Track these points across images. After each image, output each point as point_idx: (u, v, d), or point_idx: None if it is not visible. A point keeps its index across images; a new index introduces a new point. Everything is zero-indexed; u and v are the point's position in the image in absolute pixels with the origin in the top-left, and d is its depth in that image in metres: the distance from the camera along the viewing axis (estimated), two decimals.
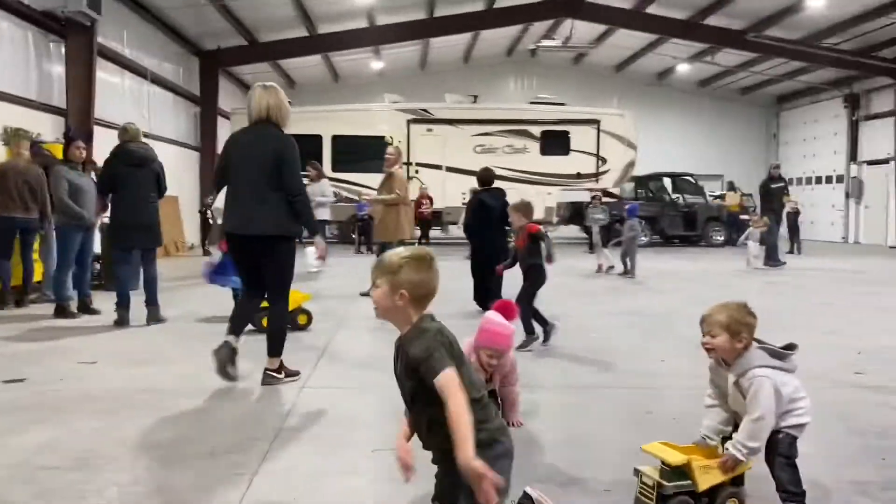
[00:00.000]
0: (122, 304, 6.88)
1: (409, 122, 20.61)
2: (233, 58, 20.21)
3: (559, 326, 6.14)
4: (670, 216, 20.54)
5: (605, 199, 17.54)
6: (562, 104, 21.52)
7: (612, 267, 12.78)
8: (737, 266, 14.30)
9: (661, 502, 2.64)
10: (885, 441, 3.65)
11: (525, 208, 6.45)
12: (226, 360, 4.63)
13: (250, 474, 3.19)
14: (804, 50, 20.57)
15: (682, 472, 2.65)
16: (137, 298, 6.99)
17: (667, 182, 21.72)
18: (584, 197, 18.63)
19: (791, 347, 2.79)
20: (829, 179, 24.73)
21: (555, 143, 20.77)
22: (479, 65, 27.34)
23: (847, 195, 23.60)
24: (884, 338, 6.52)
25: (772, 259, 14.01)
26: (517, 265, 6.33)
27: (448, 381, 2.04)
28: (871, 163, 22.59)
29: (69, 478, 3.12)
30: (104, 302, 7.54)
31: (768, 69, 23.82)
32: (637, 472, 2.77)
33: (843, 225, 23.85)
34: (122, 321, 6.84)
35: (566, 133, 20.75)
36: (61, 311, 7.35)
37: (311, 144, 20.18)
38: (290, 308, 6.70)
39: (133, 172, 6.84)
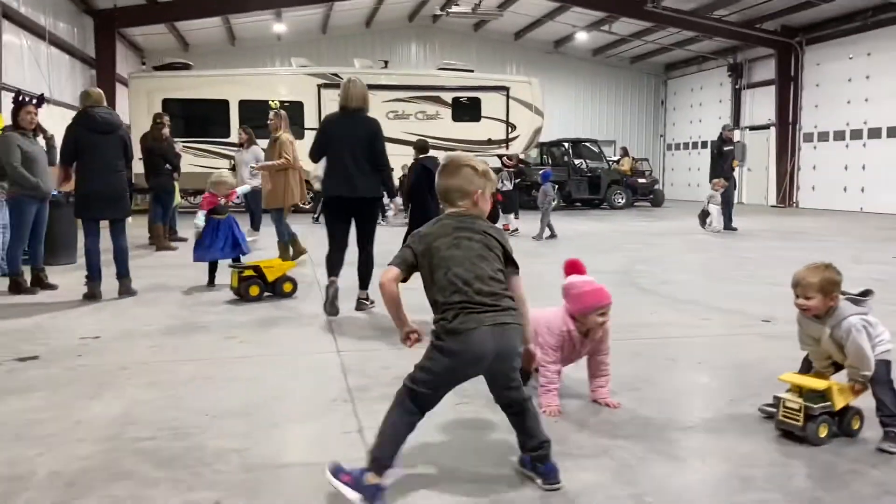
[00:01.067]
0: (94, 278, 6.61)
1: (319, 86, 20.26)
2: (130, 18, 19.09)
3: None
4: (576, 181, 21.43)
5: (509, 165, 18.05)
6: (471, 70, 21.80)
7: (516, 230, 13.28)
8: (647, 226, 15.22)
9: (808, 421, 3.04)
10: None
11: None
12: (334, 295, 5.87)
13: (356, 431, 3.31)
14: (696, 20, 21.79)
15: (823, 395, 3.08)
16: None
17: (570, 147, 22.55)
18: (495, 163, 19.10)
19: (867, 294, 3.19)
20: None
21: (466, 109, 21.05)
22: (381, 30, 27.08)
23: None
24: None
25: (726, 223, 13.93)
26: None
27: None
28: (752, 128, 24.33)
29: (177, 446, 3.13)
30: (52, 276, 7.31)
31: (660, 38, 25.00)
32: (778, 399, 3.17)
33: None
34: (93, 295, 6.56)
35: (477, 100, 21.07)
36: (15, 287, 6.95)
37: (217, 109, 19.59)
38: (275, 277, 6.72)
39: (98, 140, 6.52)
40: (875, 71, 19.26)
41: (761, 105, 23.77)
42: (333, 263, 6.02)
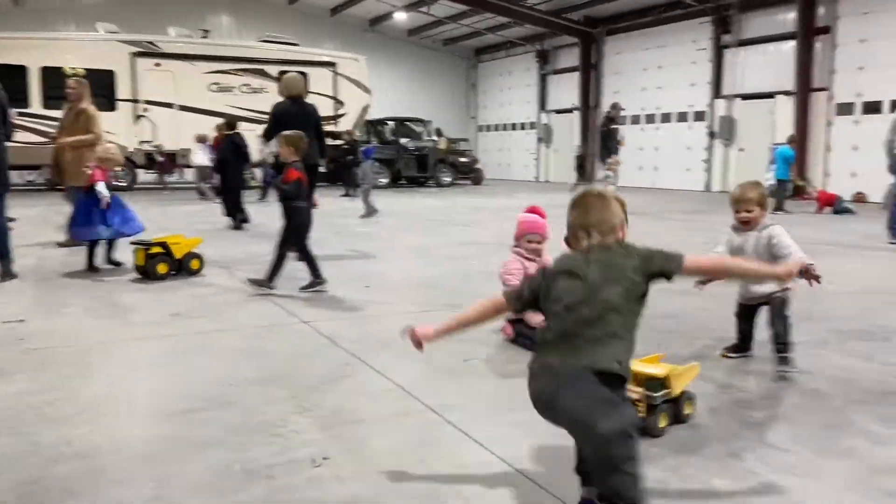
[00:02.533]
0: None
1: (133, 55, 18.85)
2: None
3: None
4: (405, 159, 21.90)
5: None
6: (295, 44, 21.39)
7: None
8: (488, 202, 16.07)
9: (650, 412, 2.88)
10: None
11: (297, 142, 5.83)
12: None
13: (394, 387, 3.46)
14: (508, 6, 23.04)
15: (662, 382, 2.93)
16: None
17: (397, 126, 22.94)
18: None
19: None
20: (522, 126, 28.15)
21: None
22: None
23: (539, 140, 27.16)
24: None
25: None
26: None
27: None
28: (558, 111, 26.25)
29: (233, 414, 3.10)
30: None
31: (474, 22, 26.08)
32: None
33: (535, 166, 27.48)
34: None
35: (304, 74, 20.69)
36: None
37: (11, 76, 17.50)
38: (182, 253, 6.46)
39: None
40: (667, 62, 21.65)
41: (566, 90, 25.69)
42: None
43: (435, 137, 25.73)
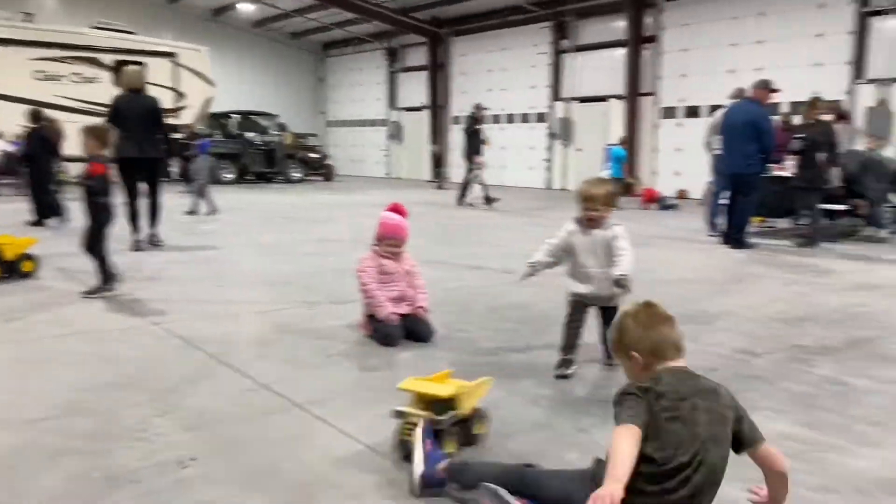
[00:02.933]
0: None
1: None
2: None
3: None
4: (252, 154, 21.31)
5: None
6: (131, 32, 20.24)
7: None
8: (345, 198, 16.03)
9: (437, 437, 2.58)
10: None
11: (103, 135, 5.52)
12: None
13: (255, 388, 3.47)
14: (356, 3, 22.99)
15: (450, 403, 2.67)
16: None
17: (241, 120, 22.26)
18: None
19: None
20: (373, 123, 28.20)
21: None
22: None
23: (390, 137, 27.35)
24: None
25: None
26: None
27: None
28: (408, 109, 26.54)
29: (85, 422, 3.00)
30: None
31: (322, 17, 25.78)
32: (400, 413, 2.68)
33: (387, 163, 27.66)
34: None
35: (141, 65, 19.61)
36: None
37: None
38: (14, 254, 6.05)
39: None
40: (510, 65, 22.49)
41: (415, 88, 26.03)
42: (133, 213, 7.76)
43: (287, 132, 25.29)
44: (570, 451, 2.83)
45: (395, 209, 4.63)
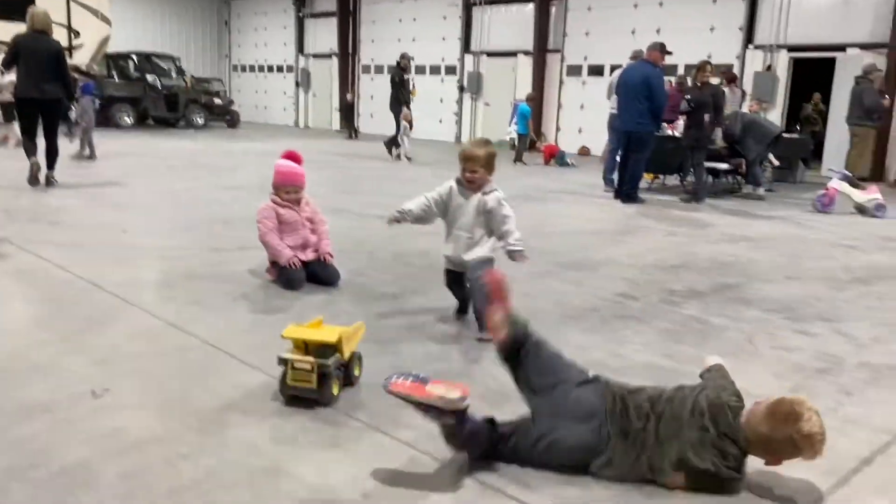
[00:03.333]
0: None
1: None
2: None
3: None
4: (152, 98, 20.53)
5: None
6: None
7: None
8: (250, 146, 15.79)
9: (323, 381, 2.72)
10: None
11: None
12: (37, 170, 7.98)
13: (168, 323, 3.62)
14: None
15: (334, 347, 2.79)
16: None
17: (141, 62, 21.33)
18: None
19: None
20: (280, 69, 27.54)
21: (14, 5, 18.30)
22: None
23: (297, 84, 26.82)
24: None
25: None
26: None
27: None
28: (316, 56, 26.06)
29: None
30: None
31: None
32: (285, 360, 2.74)
33: (294, 110, 27.17)
34: None
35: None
36: None
37: None
38: None
39: None
40: (420, 14, 22.38)
41: (324, 35, 25.54)
42: (29, 148, 8.00)
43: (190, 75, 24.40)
44: (461, 380, 3.14)
45: (291, 156, 4.70)
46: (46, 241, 5.42)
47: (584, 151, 18.08)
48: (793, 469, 2.32)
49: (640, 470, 2.27)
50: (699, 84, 9.60)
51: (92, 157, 11.38)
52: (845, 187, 9.15)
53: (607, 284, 4.99)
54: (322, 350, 2.76)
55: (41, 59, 7.71)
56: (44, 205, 7.05)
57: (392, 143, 14.78)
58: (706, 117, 9.29)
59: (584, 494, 2.23)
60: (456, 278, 3.96)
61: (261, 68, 28.35)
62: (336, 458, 2.40)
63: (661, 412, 2.30)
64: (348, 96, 22.48)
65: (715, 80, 9.87)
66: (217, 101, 23.09)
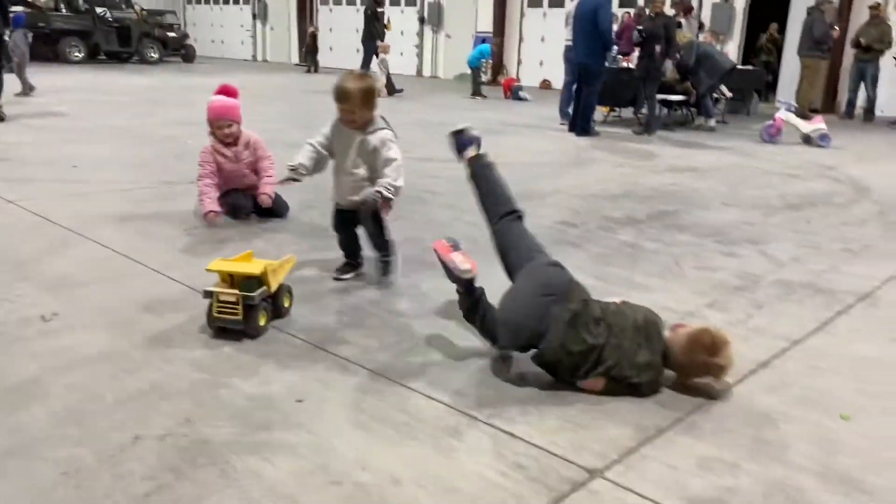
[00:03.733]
0: None
1: None
2: None
3: None
4: (103, 31, 19.89)
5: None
6: None
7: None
8: (195, 79, 15.50)
9: (249, 314, 2.77)
10: None
11: None
12: None
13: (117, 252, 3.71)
14: None
15: (259, 279, 2.81)
16: None
17: None
18: None
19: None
20: (236, 0, 26.79)
21: None
22: None
23: (254, 17, 26.14)
24: None
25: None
26: None
27: None
28: None
29: None
30: None
31: None
32: (210, 293, 2.79)
33: (252, 45, 26.56)
34: None
35: None
36: None
37: None
38: None
39: None
40: None
41: None
42: None
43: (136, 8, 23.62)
44: (401, 301, 3.32)
45: (224, 90, 4.53)
46: None
47: (545, 85, 18.09)
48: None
49: (563, 361, 2.47)
50: (652, 15, 9.65)
51: (26, 92, 11.04)
52: (791, 118, 9.40)
53: (551, 213, 5.16)
54: (248, 283, 2.79)
55: None
56: None
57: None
58: (657, 48, 9.38)
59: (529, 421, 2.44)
60: (344, 219, 3.60)
61: (216, 0, 27.54)
62: (272, 371, 2.57)
63: (610, 323, 2.51)
64: (310, 29, 21.97)
65: (668, 11, 9.91)
66: (171, 34, 22.46)
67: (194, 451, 2.04)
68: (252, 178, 4.64)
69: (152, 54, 21.00)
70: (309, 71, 20.49)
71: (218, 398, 2.35)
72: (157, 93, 12.91)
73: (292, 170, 3.50)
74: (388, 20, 14.86)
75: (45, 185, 5.30)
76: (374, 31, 14.20)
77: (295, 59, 24.73)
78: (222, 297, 2.76)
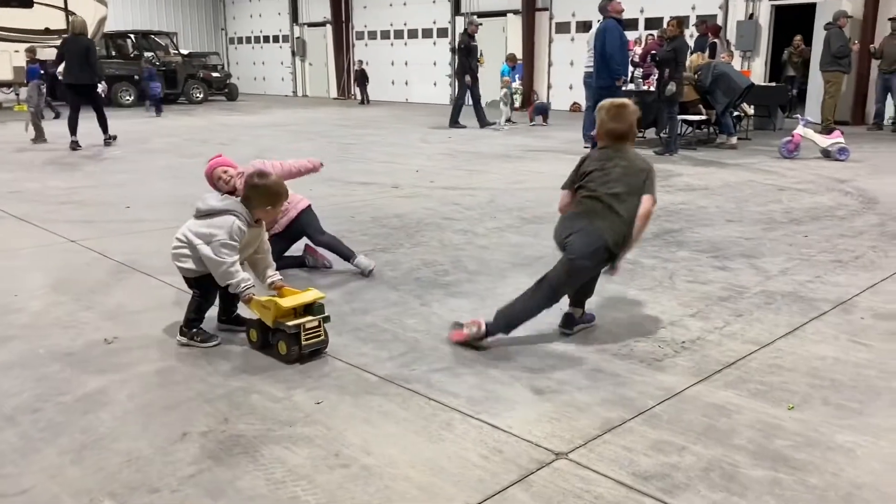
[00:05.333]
0: None
1: None
2: None
3: None
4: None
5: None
6: None
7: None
8: (244, 119, 16.29)
9: (325, 332, 3.27)
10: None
11: None
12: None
13: (174, 305, 4.23)
14: None
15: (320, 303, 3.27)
16: None
17: (138, 40, 21.76)
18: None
19: None
20: (276, 39, 27.86)
21: None
22: None
23: (293, 53, 27.16)
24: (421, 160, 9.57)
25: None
26: None
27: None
28: (310, 25, 26.35)
29: (20, 317, 3.71)
30: None
31: None
32: (298, 326, 3.14)
33: (292, 80, 27.55)
34: None
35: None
36: None
37: None
38: None
39: None
40: None
41: (317, 3, 25.79)
42: (73, 124, 10.80)
43: (184, 52, 24.80)
44: (412, 318, 3.75)
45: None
46: (57, 218, 6.03)
47: (575, 108, 18.45)
48: (675, 362, 2.93)
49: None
50: (666, 39, 10.00)
51: (38, 139, 11.61)
52: (810, 133, 9.61)
53: None
54: (319, 306, 3.22)
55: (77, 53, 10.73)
56: (52, 187, 7.66)
57: (480, 115, 14.32)
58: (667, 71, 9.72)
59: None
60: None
61: (256, 39, 28.67)
62: (297, 378, 3.02)
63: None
64: (358, 64, 22.71)
65: (678, 31, 10.16)
66: (215, 74, 23.51)
67: (230, 443, 2.49)
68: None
69: (197, 95, 22.02)
70: (362, 103, 21.29)
71: (250, 402, 2.81)
72: (200, 133, 13.66)
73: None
74: (482, 54, 14.91)
75: (101, 225, 5.89)
76: (465, 66, 14.18)
77: (334, 92, 25.58)
78: (308, 325, 3.15)
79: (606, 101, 3.52)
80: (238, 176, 4.40)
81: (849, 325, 3.58)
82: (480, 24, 15.23)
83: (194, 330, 3.38)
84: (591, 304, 3.91)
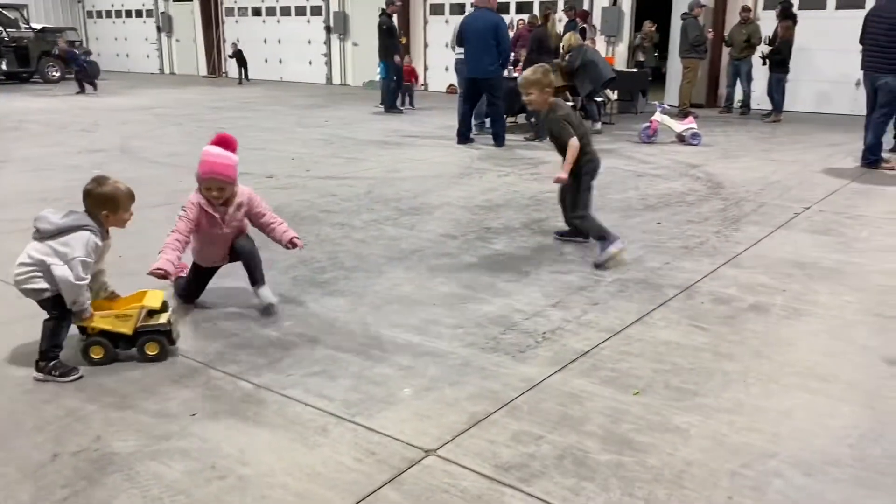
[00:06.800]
0: None
1: None
2: None
3: None
4: (2, 52, 19.50)
5: None
6: None
7: None
8: (99, 99, 15.45)
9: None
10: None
11: None
12: None
13: None
14: None
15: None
16: None
17: None
18: None
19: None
20: (139, 14, 26.46)
21: None
22: None
23: (159, 29, 25.91)
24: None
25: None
26: None
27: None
28: (176, 0, 25.20)
29: None
30: None
31: None
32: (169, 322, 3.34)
33: (158, 57, 26.31)
34: None
35: None
36: None
37: None
38: None
39: None
40: None
41: None
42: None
43: (35, 25, 23.13)
44: (288, 321, 3.81)
45: (221, 141, 3.85)
46: None
47: (452, 90, 18.69)
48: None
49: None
50: (537, 25, 10.39)
51: None
52: (665, 119, 10.27)
53: (435, 227, 5.73)
54: (164, 303, 3.52)
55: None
56: None
57: (394, 95, 14.22)
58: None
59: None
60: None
61: (118, 14, 27.15)
62: (171, 390, 3.04)
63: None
64: (234, 43, 21.91)
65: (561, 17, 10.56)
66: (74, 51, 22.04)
67: (104, 462, 2.51)
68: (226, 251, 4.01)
69: (54, 73, 20.66)
70: (241, 83, 20.66)
71: (123, 417, 2.81)
72: (58, 116, 12.89)
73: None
74: (402, 33, 14.52)
75: None
76: (389, 47, 13.83)
77: (203, 70, 24.67)
78: (172, 319, 3.43)
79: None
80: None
81: (690, 310, 3.97)
82: (399, 3, 14.98)
83: (52, 364, 3.12)
84: (462, 296, 4.12)
